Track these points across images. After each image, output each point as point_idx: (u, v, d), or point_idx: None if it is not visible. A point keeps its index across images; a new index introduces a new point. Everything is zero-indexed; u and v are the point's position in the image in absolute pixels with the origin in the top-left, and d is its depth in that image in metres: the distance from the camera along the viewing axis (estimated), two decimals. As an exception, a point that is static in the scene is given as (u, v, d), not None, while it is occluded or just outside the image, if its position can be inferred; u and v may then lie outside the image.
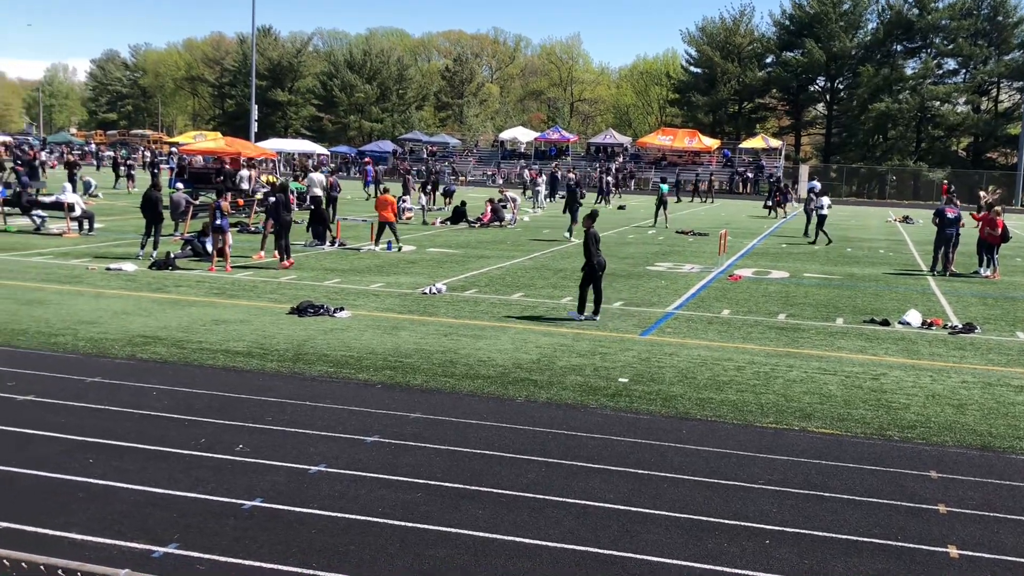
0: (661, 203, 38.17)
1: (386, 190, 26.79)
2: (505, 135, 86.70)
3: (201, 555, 6.49)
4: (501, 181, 71.20)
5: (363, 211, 38.23)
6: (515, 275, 21.23)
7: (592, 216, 15.89)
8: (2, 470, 7.88)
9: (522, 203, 42.66)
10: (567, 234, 30.27)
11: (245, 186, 34.58)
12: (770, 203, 47.72)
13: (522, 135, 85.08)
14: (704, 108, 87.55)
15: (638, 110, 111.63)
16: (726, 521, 7.44)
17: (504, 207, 36.50)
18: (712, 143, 75.83)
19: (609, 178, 54.83)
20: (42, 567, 3.46)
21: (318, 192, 33.03)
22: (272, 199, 22.13)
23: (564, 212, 31.02)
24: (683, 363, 12.68)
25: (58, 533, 6.68)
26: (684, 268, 23.50)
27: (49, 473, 7.85)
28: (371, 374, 11.64)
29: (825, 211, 31.91)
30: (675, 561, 6.70)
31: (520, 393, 10.98)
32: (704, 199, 60.38)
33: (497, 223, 34.93)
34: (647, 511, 7.57)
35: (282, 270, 20.62)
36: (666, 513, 7.54)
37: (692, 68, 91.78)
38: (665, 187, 41.19)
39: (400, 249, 25.09)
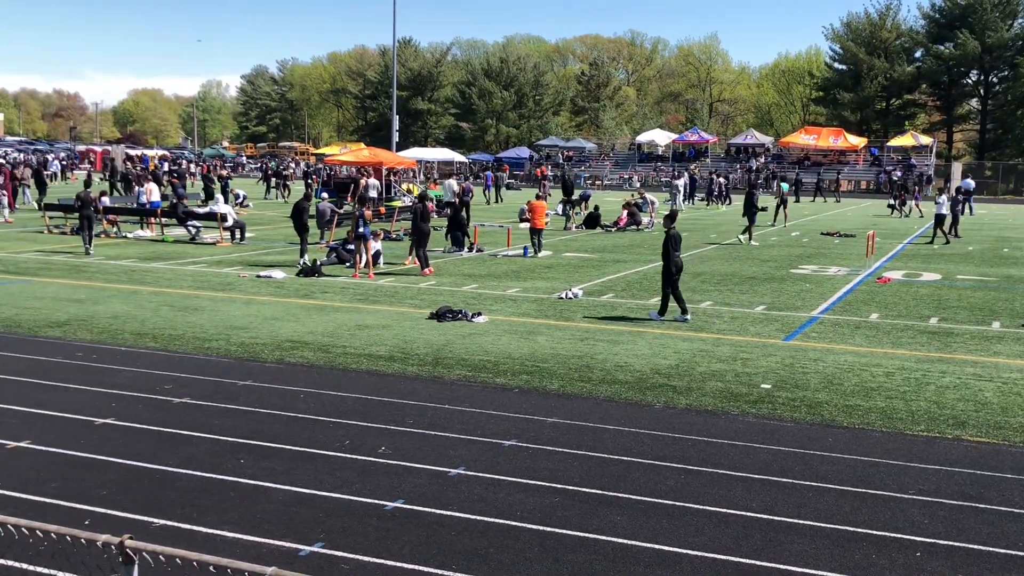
0: (782, 202, 37.71)
1: (539, 196, 27.13)
2: (642, 138, 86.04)
3: (345, 555, 6.64)
4: (639, 184, 70.67)
5: (498, 216, 38.62)
6: (652, 279, 21.03)
7: (671, 217, 15.86)
8: (159, 469, 8.29)
9: (660, 206, 42.24)
10: (742, 238, 29.60)
11: (372, 194, 35.41)
12: (893, 202, 46.39)
13: (659, 137, 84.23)
14: (850, 105, 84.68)
15: (780, 109, 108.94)
16: (874, 532, 7.14)
17: (642, 210, 36.22)
18: (858, 141, 73.28)
19: (721, 179, 53.80)
20: (195, 563, 3.59)
21: (452, 197, 33.62)
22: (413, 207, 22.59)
23: (743, 216, 30.29)
24: (829, 369, 12.27)
25: (211, 531, 6.97)
26: (830, 271, 22.76)
27: (203, 472, 8.21)
28: (508, 378, 11.71)
29: (944, 210, 30.44)
30: (820, 572, 6.47)
31: (658, 399, 10.85)
32: (829, 198, 58.57)
33: (634, 227, 34.70)
34: (791, 520, 7.34)
35: (422, 276, 21.02)
36: (811, 523, 7.30)
37: (836, 65, 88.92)
38: (785, 186, 40.59)
39: (537, 255, 25.20)
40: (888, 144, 73.37)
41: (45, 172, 54.38)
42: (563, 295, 18.22)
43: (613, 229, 33.79)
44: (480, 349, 13.39)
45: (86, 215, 25.26)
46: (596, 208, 36.10)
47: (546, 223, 26.78)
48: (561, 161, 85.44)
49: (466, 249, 25.75)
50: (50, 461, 8.39)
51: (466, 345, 13.67)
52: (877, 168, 71.38)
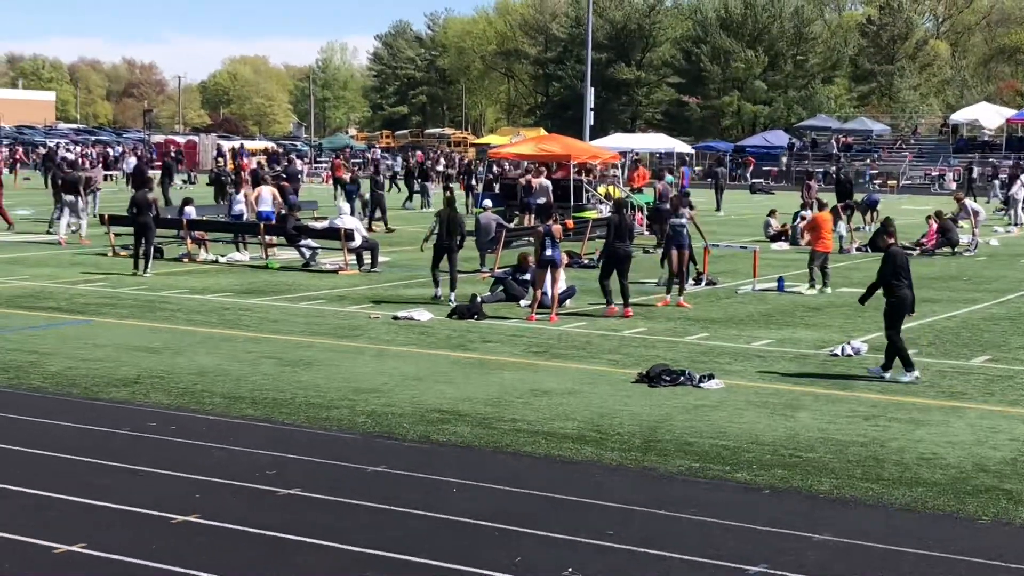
0: None
1: (824, 206, 27.04)
2: (960, 116, 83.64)
3: None
4: (954, 186, 68.63)
5: (733, 233, 38.26)
6: (976, 328, 20.33)
7: (885, 228, 16.48)
8: (260, 587, 8.60)
9: (987, 217, 40.91)
10: None
11: (540, 200, 35.76)
12: None
13: (986, 116, 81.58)
14: None
15: None
16: None
17: (958, 223, 35.19)
18: None
19: None
20: None
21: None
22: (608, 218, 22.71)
23: None
24: None
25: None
26: None
27: (318, 595, 8.46)
28: (754, 473, 11.56)
29: None
30: None
31: (985, 510, 10.48)
32: None
33: (947, 248, 33.82)
34: None
35: (623, 320, 21.05)
36: None
37: None
38: None
39: (824, 290, 24.76)
40: None
41: (109, 172, 57.84)
42: (838, 351, 17.89)
43: (916, 252, 32.94)
44: (712, 429, 13.27)
45: (142, 223, 26.90)
46: (887, 221, 35.25)
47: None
48: (836, 151, 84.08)
49: (691, 280, 25.65)
50: (109, 571, 8.83)
51: (691, 422, 13.57)
52: None
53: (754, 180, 78.80)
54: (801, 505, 10.61)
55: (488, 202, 31.71)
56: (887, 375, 16.09)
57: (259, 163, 62.11)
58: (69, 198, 34.74)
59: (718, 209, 51.83)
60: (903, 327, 16.21)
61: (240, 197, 33.27)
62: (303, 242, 29.72)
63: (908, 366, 15.99)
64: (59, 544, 9.31)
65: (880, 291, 16.30)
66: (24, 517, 9.96)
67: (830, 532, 9.84)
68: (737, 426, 13.43)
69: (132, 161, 61.99)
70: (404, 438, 12.83)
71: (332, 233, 29.00)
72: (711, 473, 11.58)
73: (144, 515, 10.07)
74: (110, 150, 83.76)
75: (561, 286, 22.21)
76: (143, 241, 26.98)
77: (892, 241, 16.55)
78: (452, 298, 22.63)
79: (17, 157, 68.44)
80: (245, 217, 32.28)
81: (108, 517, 10.06)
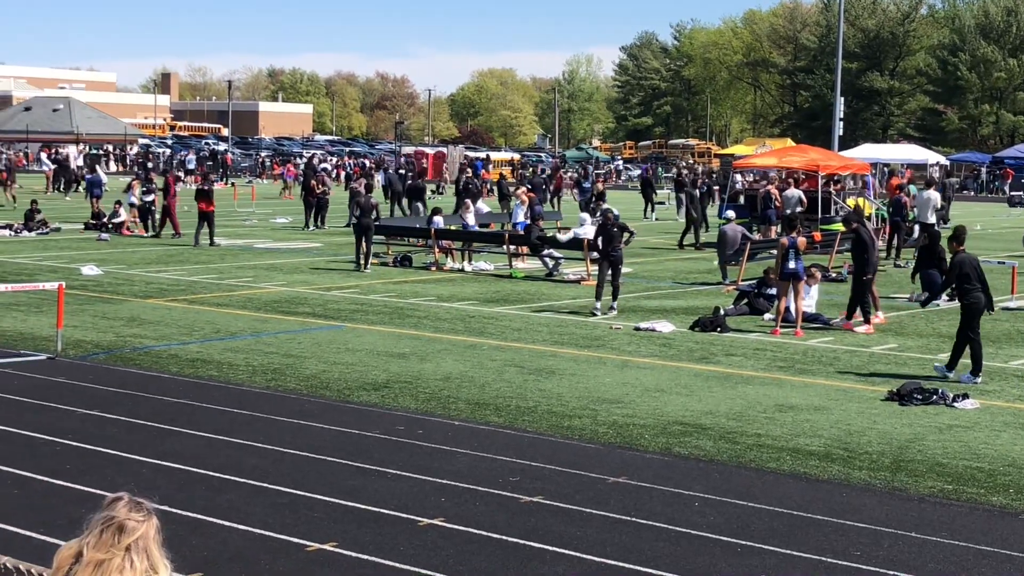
0: None
1: None
2: None
3: None
4: None
5: (989, 248, 36.91)
6: None
7: (957, 235, 17.02)
8: (502, 592, 8.72)
9: None
10: None
11: (796, 210, 35.12)
12: None
13: None
14: None
15: None
16: None
17: None
18: None
19: None
20: None
21: (929, 218, 32.53)
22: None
23: None
24: None
25: None
26: None
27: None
28: (1011, 497, 11.21)
29: None
30: None
31: None
32: None
33: None
34: None
35: (866, 336, 20.58)
36: None
37: None
38: None
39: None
40: None
41: (363, 182, 59.23)
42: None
43: None
44: (966, 450, 12.92)
45: (364, 224, 29.83)
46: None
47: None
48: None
49: (943, 296, 24.82)
50: (358, 570, 9.10)
51: (944, 442, 13.22)
52: None
53: (1013, 193, 75.86)
54: (1061, 533, 10.19)
55: (731, 213, 31.38)
56: (950, 374, 16.75)
57: (499, 174, 62.91)
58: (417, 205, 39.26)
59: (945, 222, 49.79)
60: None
61: (480, 207, 33.78)
62: (547, 252, 30.03)
63: (976, 370, 16.61)
64: (311, 542, 9.64)
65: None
66: (279, 514, 10.35)
67: (1093, 563, 9.40)
68: (993, 448, 13.01)
69: (385, 174, 63.67)
70: (645, 450, 12.83)
71: (575, 243, 29.22)
72: (965, 496, 11.24)
73: (392, 516, 10.34)
74: (365, 161, 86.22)
75: (807, 300, 21.83)
76: (363, 240, 29.87)
77: (958, 246, 17.26)
78: (613, 306, 22.51)
79: (285, 171, 70.84)
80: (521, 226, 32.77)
81: (358, 517, 10.36)
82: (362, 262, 29.96)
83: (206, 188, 36.67)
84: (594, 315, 22.38)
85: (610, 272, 22.87)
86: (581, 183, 53.38)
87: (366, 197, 30.94)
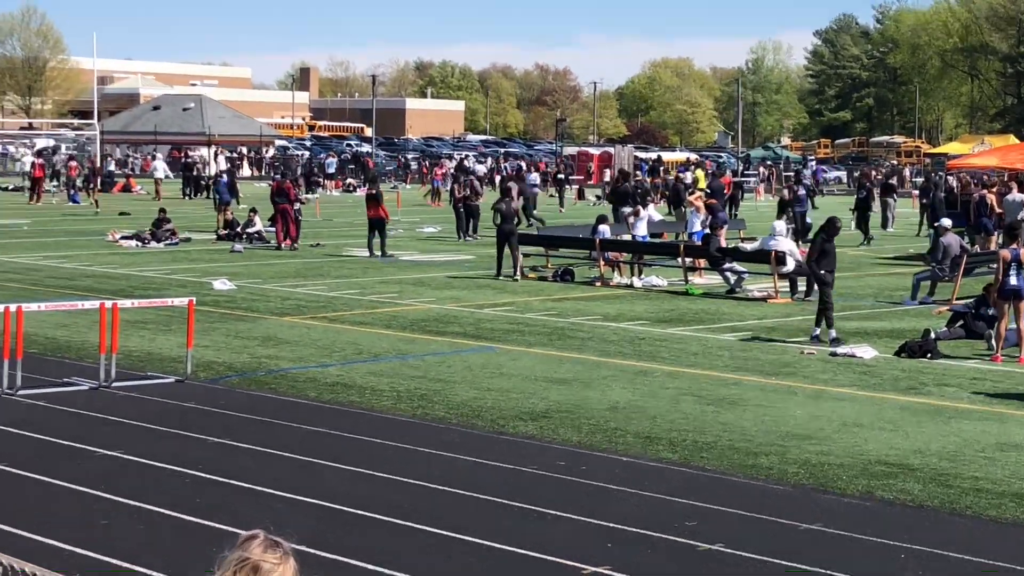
0: None
1: None
2: None
3: None
4: None
5: None
6: None
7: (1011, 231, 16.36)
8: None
9: None
10: None
11: (1020, 217, 34.30)
12: None
13: None
14: None
15: None
16: None
17: None
18: None
19: None
20: None
21: None
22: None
23: None
24: None
25: None
26: None
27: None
28: None
29: None
30: None
31: None
32: None
33: None
34: None
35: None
36: None
37: None
38: None
39: None
40: None
41: (513, 186, 59.44)
42: None
43: None
44: None
45: (507, 231, 31.01)
46: None
47: None
48: None
49: None
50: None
51: None
52: None
53: None
54: None
55: (947, 221, 30.74)
56: None
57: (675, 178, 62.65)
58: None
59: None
60: None
61: (640, 218, 33.49)
62: (728, 265, 29.76)
63: None
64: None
65: None
66: (427, 557, 10.43)
67: None
68: None
69: (533, 176, 63.67)
70: (843, 493, 12.61)
71: (762, 256, 28.89)
72: None
73: (553, 563, 10.32)
74: (521, 163, 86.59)
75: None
76: (507, 247, 31.02)
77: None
78: (834, 335, 21.76)
79: (433, 174, 71.06)
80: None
81: (514, 563, 10.36)
82: (514, 271, 30.81)
83: (374, 192, 37.50)
84: (821, 342, 21.68)
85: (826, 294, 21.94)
86: (795, 190, 47.56)
87: (507, 201, 31.68)
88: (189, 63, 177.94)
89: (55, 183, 70.08)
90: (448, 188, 53.23)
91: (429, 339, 22.12)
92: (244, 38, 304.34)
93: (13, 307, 16.81)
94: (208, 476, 12.79)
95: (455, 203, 44.96)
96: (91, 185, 61.62)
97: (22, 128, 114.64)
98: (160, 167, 73.17)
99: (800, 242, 38.69)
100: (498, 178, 64.84)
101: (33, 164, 66.04)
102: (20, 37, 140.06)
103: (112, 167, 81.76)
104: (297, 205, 40.33)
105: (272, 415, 15.65)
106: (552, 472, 13.21)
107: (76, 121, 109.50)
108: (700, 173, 62.14)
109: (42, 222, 48.44)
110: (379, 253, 36.08)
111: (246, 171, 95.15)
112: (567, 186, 68.91)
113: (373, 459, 13.58)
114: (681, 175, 59.40)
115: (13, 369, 16.32)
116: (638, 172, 60.17)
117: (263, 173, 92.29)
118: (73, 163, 68.11)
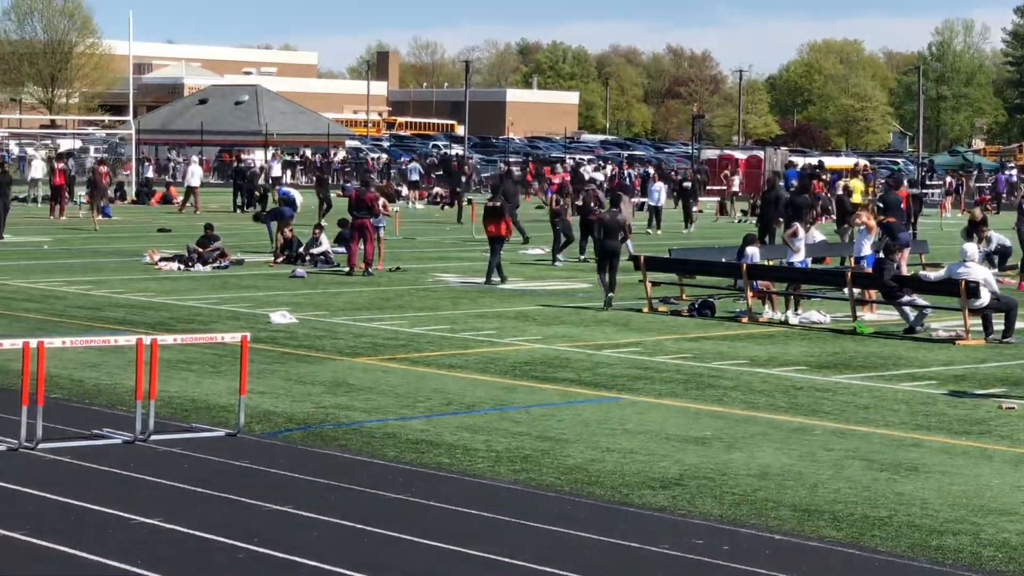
0: None
1: None
2: None
3: None
4: None
5: None
6: None
7: None
8: None
9: None
10: None
11: None
12: None
13: None
14: None
15: None
16: None
17: None
18: None
19: None
20: None
21: None
22: None
23: None
24: None
25: None
26: None
27: None
28: None
29: None
30: None
31: None
32: None
33: None
34: None
35: None
36: None
37: None
38: None
39: None
40: None
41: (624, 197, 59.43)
42: None
43: None
44: None
45: (610, 249, 31.81)
46: None
47: None
48: None
49: None
50: None
51: None
52: None
53: None
54: None
55: None
56: None
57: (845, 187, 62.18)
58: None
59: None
60: None
61: (798, 239, 33.05)
62: (907, 298, 29.48)
63: None
64: None
65: None
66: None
67: None
68: None
69: (657, 187, 63.34)
70: (1044, 583, 12.45)
71: (949, 287, 28.57)
72: None
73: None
74: (649, 169, 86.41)
75: None
76: (609, 267, 32.13)
77: None
78: None
79: (551, 183, 70.56)
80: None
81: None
82: (606, 297, 31.88)
83: (498, 204, 37.49)
84: None
85: None
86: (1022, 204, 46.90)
87: (612, 213, 31.43)
88: (242, 47, 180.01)
89: (76, 198, 68.64)
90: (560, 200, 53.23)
91: (535, 387, 22.14)
92: (309, 17, 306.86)
93: (33, 343, 16.50)
94: (264, 551, 12.82)
95: (554, 216, 45.34)
96: (96, 200, 60.95)
97: (43, 127, 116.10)
98: (196, 172, 72.63)
99: (998, 269, 38.39)
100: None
101: (53, 170, 65.74)
102: (42, 16, 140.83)
103: (150, 173, 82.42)
104: (383, 220, 40.36)
105: (341, 478, 15.70)
106: (688, 553, 13.14)
107: (107, 118, 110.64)
108: (857, 183, 61.47)
109: (66, 240, 49.12)
110: (498, 278, 36.22)
111: (294, 177, 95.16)
112: (695, 198, 67.96)
113: (466, 533, 13.57)
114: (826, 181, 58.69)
115: (33, 418, 16.39)
116: (795, 182, 58.97)
117: (333, 181, 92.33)
118: (104, 168, 67.43)
